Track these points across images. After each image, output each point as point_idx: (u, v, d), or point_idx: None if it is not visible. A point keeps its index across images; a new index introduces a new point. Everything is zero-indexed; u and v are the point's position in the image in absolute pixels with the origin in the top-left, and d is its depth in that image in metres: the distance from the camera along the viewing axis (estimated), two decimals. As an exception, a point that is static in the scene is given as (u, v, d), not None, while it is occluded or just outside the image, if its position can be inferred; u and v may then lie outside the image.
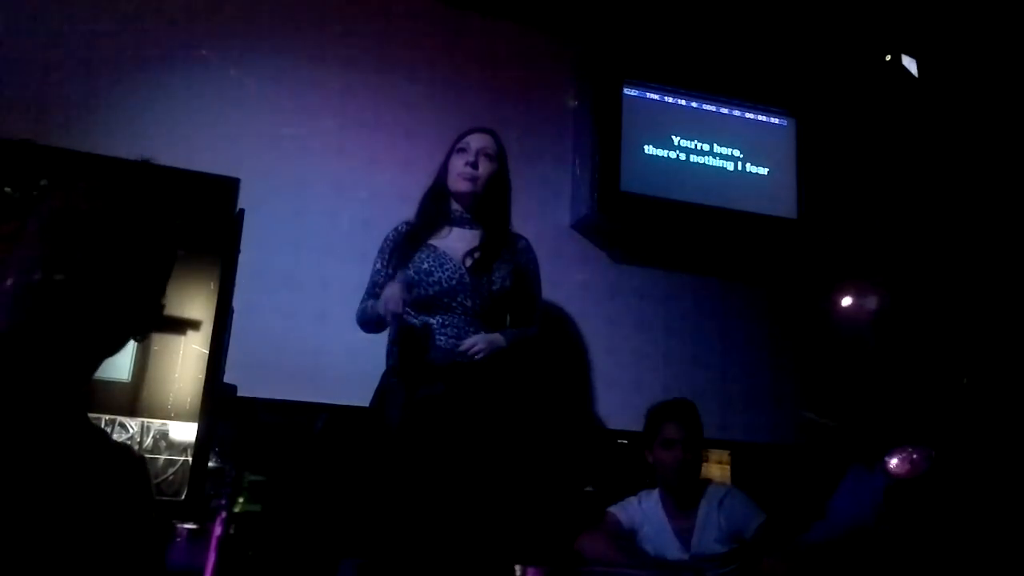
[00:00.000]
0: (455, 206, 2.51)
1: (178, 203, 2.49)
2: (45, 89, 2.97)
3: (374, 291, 2.46)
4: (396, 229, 2.57)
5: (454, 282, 2.36)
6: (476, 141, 2.51)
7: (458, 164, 2.48)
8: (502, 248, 2.47)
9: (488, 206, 2.49)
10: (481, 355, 2.31)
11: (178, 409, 2.33)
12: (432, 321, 2.36)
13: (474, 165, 2.46)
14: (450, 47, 3.53)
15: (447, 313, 2.36)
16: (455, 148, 2.54)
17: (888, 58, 3.71)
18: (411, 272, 2.38)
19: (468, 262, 2.40)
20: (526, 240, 2.58)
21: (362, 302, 2.51)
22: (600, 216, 3.42)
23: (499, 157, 2.53)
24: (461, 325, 2.35)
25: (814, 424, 3.28)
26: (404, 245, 2.47)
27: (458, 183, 2.48)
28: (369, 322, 2.45)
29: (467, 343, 2.32)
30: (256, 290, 2.82)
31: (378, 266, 2.53)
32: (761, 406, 3.62)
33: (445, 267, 2.38)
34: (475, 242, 2.45)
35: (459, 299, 2.36)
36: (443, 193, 2.52)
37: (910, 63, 3.73)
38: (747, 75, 3.76)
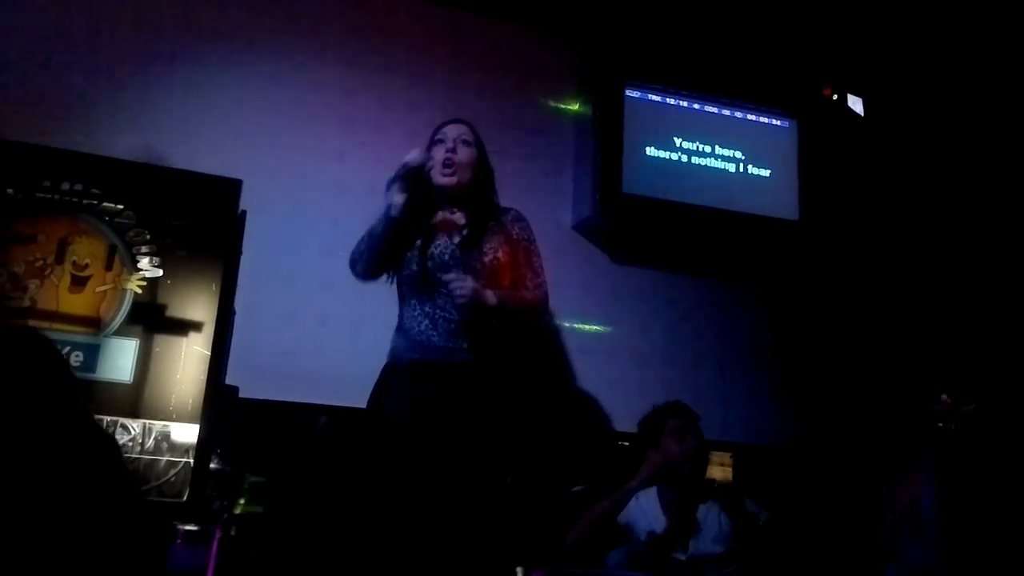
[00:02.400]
0: (439, 195, 2.50)
1: (179, 203, 2.51)
2: (47, 90, 2.97)
3: (363, 238, 2.42)
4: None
5: (446, 256, 2.34)
6: (452, 131, 2.50)
7: (438, 155, 2.45)
8: (490, 221, 2.45)
9: (472, 190, 2.47)
10: (463, 300, 2.24)
11: (180, 410, 2.33)
12: (427, 309, 2.33)
13: (453, 151, 2.44)
14: (452, 49, 3.53)
15: (442, 296, 2.32)
16: (433, 140, 2.51)
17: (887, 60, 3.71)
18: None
19: (457, 238, 2.38)
20: (516, 210, 2.54)
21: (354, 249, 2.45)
22: (602, 217, 3.42)
23: (477, 143, 2.51)
24: (456, 310, 2.31)
25: None
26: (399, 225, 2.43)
27: (440, 173, 2.46)
28: (373, 238, 2.36)
29: (453, 277, 2.26)
30: (258, 291, 2.82)
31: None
32: (762, 407, 3.62)
33: (436, 242, 2.37)
34: (463, 220, 2.43)
35: (453, 274, 2.33)
36: (427, 185, 2.49)
37: (856, 103, 3.75)
38: (749, 77, 3.76)
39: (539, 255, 2.50)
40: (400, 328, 2.40)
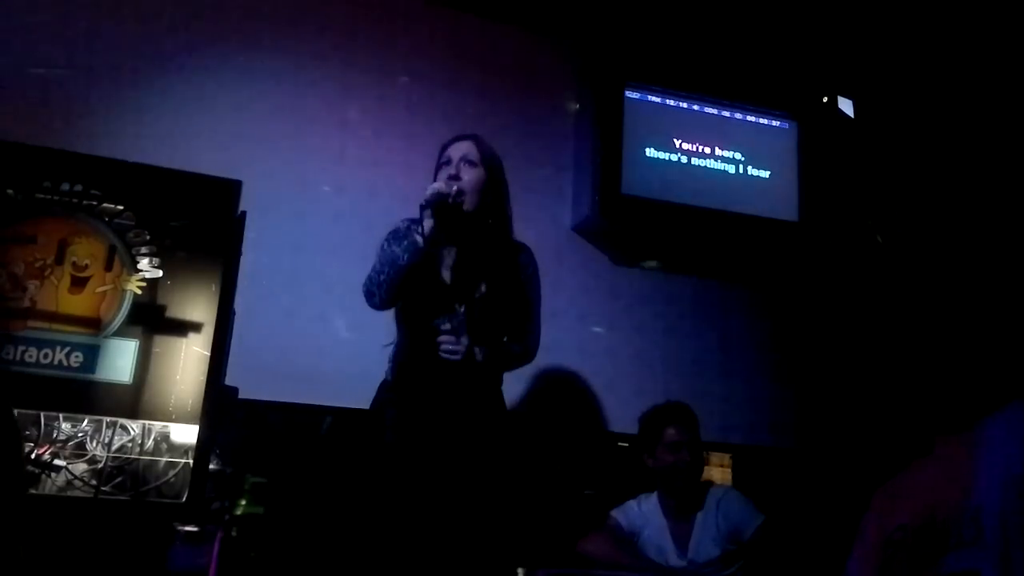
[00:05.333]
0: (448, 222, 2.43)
1: (179, 204, 2.50)
2: (47, 91, 2.97)
3: (383, 270, 2.33)
4: (406, 226, 2.42)
5: (455, 323, 2.29)
6: (456, 150, 2.38)
7: (442, 178, 2.35)
8: (500, 268, 2.36)
9: (480, 216, 2.36)
10: (449, 356, 2.24)
11: (179, 411, 2.33)
12: (426, 345, 2.32)
13: (456, 177, 2.33)
14: (451, 50, 3.53)
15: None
16: (439, 163, 2.42)
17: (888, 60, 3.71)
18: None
19: (463, 290, 2.31)
20: (528, 253, 2.46)
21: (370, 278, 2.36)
22: (601, 219, 3.42)
23: (485, 161, 2.37)
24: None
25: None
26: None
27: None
28: (397, 269, 2.26)
29: (446, 339, 2.25)
30: (257, 292, 2.82)
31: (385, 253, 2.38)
32: (762, 409, 3.62)
33: (440, 295, 2.32)
34: (471, 266, 2.34)
35: (453, 325, 2.29)
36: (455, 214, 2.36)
37: (846, 104, 3.75)
38: (749, 78, 3.77)
39: (539, 302, 2.46)
40: (401, 343, 2.38)
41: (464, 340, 2.25)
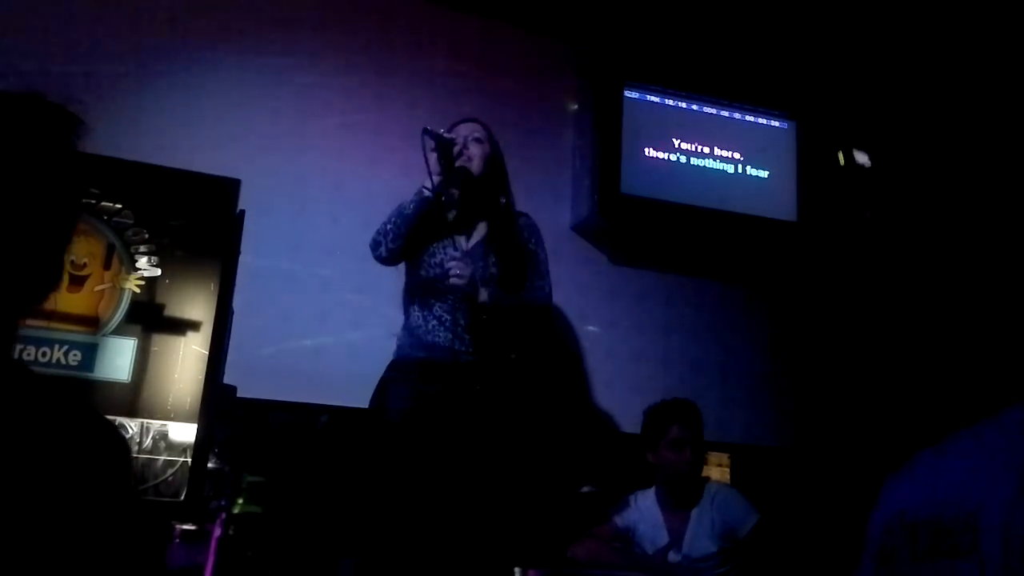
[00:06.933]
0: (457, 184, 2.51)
1: (177, 203, 2.50)
2: (46, 89, 2.97)
3: (391, 219, 2.44)
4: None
5: (456, 264, 2.35)
6: (464, 129, 2.53)
7: None
8: (504, 233, 2.47)
9: (484, 183, 2.49)
10: (458, 283, 2.29)
11: (178, 410, 2.33)
12: (436, 311, 2.35)
13: (465, 147, 2.47)
14: (451, 49, 3.53)
15: (450, 300, 2.33)
16: None
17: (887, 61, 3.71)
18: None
19: (468, 246, 2.41)
20: (526, 217, 2.58)
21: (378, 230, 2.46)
22: (600, 218, 3.42)
23: (490, 140, 2.54)
24: (460, 318, 2.32)
25: None
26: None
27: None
28: (403, 218, 2.38)
29: (454, 264, 2.30)
30: (256, 291, 2.82)
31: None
32: (760, 408, 3.62)
33: (447, 248, 2.39)
34: (478, 231, 2.46)
35: (459, 256, 2.37)
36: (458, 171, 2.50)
37: (862, 157, 3.76)
38: (748, 77, 3.77)
39: (545, 260, 2.54)
40: (406, 327, 2.41)
41: (470, 269, 2.30)
